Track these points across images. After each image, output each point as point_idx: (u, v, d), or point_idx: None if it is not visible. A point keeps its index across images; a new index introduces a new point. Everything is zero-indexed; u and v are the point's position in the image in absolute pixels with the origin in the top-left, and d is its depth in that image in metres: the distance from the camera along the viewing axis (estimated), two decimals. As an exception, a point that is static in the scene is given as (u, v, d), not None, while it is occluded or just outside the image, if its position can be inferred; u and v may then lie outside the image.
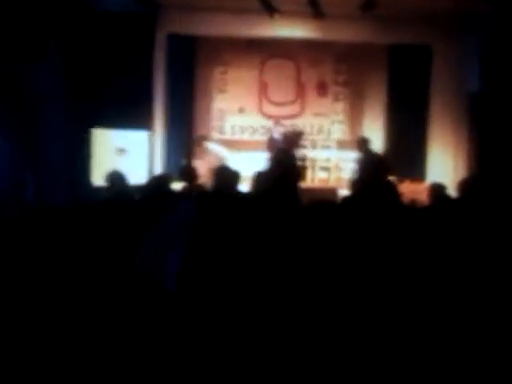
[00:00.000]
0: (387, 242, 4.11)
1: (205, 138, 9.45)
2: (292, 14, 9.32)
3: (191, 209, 4.12)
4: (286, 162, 7.22)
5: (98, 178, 7.87)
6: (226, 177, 5.61)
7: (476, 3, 8.37)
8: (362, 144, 8.73)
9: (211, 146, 9.45)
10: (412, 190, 7.57)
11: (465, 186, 5.68)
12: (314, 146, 10.33)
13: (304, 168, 9.03)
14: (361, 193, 5.88)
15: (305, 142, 10.17)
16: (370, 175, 7.77)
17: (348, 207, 5.21)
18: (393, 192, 5.10)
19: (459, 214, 4.91)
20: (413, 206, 6.30)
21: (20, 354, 3.15)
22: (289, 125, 10.08)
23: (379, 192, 5.07)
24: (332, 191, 8.80)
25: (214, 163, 7.88)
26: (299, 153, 8.42)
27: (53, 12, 8.32)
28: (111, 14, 9.17)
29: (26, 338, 3.25)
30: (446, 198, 5.86)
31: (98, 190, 6.07)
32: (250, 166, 7.84)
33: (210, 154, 9.21)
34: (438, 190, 5.96)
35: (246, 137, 10.59)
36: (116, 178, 5.69)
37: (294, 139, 8.56)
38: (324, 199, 6.46)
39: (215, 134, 10.41)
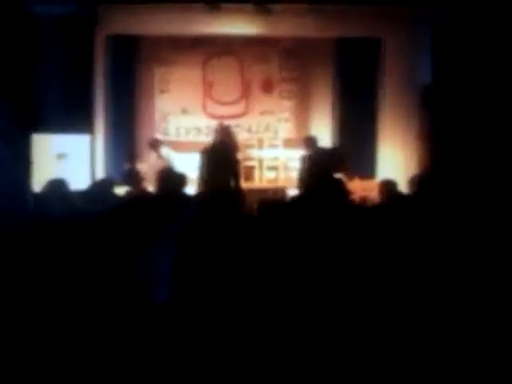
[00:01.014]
0: (337, 242, 4.03)
1: (160, 142, 9.13)
2: (236, 10, 9.03)
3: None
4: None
5: (39, 185, 7.58)
6: (171, 180, 5.47)
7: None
8: (310, 142, 8.60)
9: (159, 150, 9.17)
10: (362, 188, 7.47)
11: (416, 182, 5.62)
12: (261, 145, 10.12)
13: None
14: (310, 192, 5.77)
15: (251, 140, 10.09)
16: (321, 170, 7.62)
17: (297, 207, 5.09)
18: (342, 190, 5.00)
19: (410, 212, 4.84)
20: (363, 204, 6.21)
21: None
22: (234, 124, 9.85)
23: (328, 191, 4.97)
24: (281, 191, 8.64)
25: (159, 166, 7.61)
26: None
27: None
28: (50, 16, 8.83)
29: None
30: (397, 194, 5.75)
31: (39, 196, 5.77)
32: (195, 167, 7.70)
33: (156, 157, 8.92)
34: (388, 187, 5.82)
35: (190, 138, 10.33)
36: (56, 185, 5.46)
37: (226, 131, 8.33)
38: (274, 199, 6.37)
39: (159, 136, 10.11)
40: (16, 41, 8.39)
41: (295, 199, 5.99)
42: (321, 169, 7.79)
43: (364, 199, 6.46)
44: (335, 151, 8.55)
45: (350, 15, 9.11)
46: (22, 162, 8.37)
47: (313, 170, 7.78)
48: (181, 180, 5.51)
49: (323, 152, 8.43)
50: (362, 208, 5.37)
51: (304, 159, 8.46)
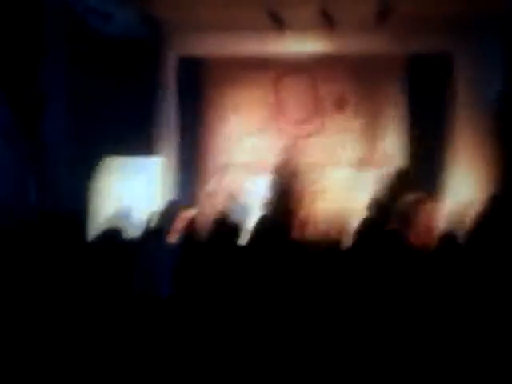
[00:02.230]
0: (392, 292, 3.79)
1: (228, 166, 9.02)
2: (303, 28, 8.90)
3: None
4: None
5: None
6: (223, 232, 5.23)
7: (494, 5, 7.76)
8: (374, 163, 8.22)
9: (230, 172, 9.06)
10: (431, 214, 6.99)
11: (490, 204, 5.21)
12: (334, 164, 9.80)
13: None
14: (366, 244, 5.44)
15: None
16: (389, 196, 7.26)
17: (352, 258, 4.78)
18: (399, 240, 4.66)
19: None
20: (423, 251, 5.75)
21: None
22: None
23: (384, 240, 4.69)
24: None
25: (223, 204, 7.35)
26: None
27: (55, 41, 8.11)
28: (117, 37, 8.95)
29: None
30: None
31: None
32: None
33: (225, 180, 8.78)
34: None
35: (263, 158, 10.13)
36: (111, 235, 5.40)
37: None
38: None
39: (230, 158, 10.00)
40: (85, 64, 8.56)
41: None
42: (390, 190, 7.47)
43: (430, 230, 6.00)
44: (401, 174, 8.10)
45: (418, 29, 8.73)
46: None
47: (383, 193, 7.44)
48: (234, 231, 5.26)
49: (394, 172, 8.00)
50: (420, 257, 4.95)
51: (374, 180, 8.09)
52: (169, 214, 5.87)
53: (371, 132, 10.11)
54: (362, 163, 9.81)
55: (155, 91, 9.30)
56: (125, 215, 6.72)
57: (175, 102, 9.61)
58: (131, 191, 8.59)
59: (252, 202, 7.58)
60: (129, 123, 8.83)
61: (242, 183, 8.75)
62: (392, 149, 9.76)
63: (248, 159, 10.12)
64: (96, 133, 8.59)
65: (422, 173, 8.74)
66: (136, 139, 8.80)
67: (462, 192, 8.69)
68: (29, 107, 7.67)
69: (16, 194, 7.47)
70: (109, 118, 8.75)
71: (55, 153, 8.16)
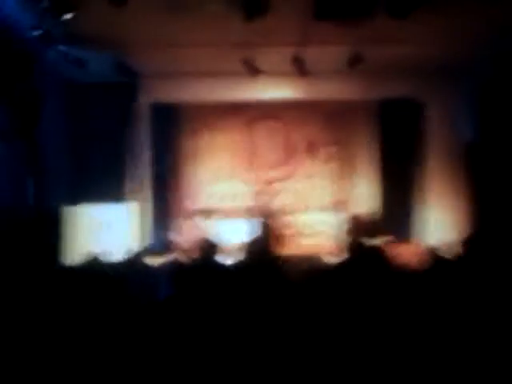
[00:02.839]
0: (379, 312, 3.83)
1: (197, 212, 8.99)
2: (277, 74, 9.03)
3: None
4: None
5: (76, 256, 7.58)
6: (206, 250, 5.34)
7: (467, 51, 8.00)
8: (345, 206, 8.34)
9: (200, 217, 9.05)
10: (407, 252, 7.10)
11: (464, 246, 5.30)
12: (305, 209, 9.87)
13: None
14: (350, 260, 5.55)
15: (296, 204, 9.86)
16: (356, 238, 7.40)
17: (339, 275, 4.87)
18: (382, 258, 4.75)
19: (454, 279, 4.56)
20: (407, 270, 5.88)
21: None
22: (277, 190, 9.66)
23: (369, 259, 4.75)
24: (322, 257, 8.30)
25: (197, 235, 7.47)
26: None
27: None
28: (92, 83, 9.04)
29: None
30: (442, 260, 5.40)
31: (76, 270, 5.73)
32: (240, 233, 7.54)
33: (195, 226, 8.78)
34: (433, 253, 5.48)
35: (235, 203, 10.16)
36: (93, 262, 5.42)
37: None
38: (312, 267, 6.15)
39: (203, 203, 10.00)
40: (58, 108, 8.55)
41: (337, 267, 5.75)
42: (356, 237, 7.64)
43: (409, 265, 6.10)
44: (372, 217, 8.24)
45: (390, 75, 8.98)
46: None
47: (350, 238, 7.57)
48: (218, 250, 5.47)
49: (360, 218, 8.15)
50: (404, 275, 5.06)
51: (344, 224, 8.22)
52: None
53: (342, 176, 10.25)
54: (334, 207, 9.89)
55: (131, 137, 9.30)
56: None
57: (148, 146, 9.58)
58: (104, 237, 8.48)
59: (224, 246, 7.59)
60: (101, 169, 8.82)
61: (214, 227, 8.76)
62: (363, 192, 9.88)
63: (220, 204, 10.14)
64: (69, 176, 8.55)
65: (393, 215, 8.86)
66: (109, 184, 8.75)
67: (434, 233, 8.83)
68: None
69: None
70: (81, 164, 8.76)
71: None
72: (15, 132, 7.46)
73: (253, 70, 8.50)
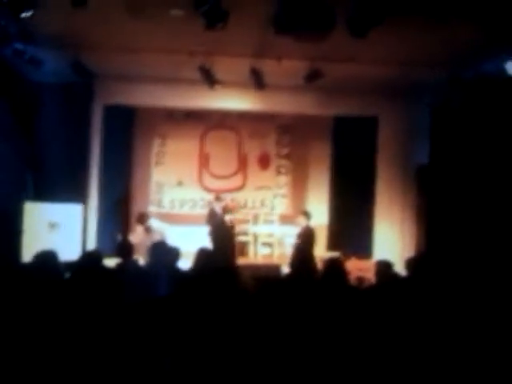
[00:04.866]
0: (331, 324, 3.85)
1: (147, 215, 8.87)
2: (233, 85, 9.02)
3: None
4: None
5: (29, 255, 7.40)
6: (163, 253, 5.27)
7: (422, 73, 8.17)
8: (303, 218, 8.37)
9: (151, 221, 8.94)
10: (358, 267, 7.20)
11: (411, 264, 5.38)
12: (256, 221, 9.89)
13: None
14: (302, 271, 5.60)
15: (247, 215, 9.88)
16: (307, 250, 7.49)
17: (292, 286, 4.88)
18: (339, 271, 4.78)
19: (404, 294, 4.63)
20: (359, 285, 5.96)
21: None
22: (229, 199, 9.65)
23: (324, 271, 4.79)
24: (275, 268, 8.32)
25: (150, 239, 7.40)
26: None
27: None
28: (48, 84, 8.91)
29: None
30: (393, 276, 5.47)
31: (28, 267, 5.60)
32: (190, 240, 7.49)
33: (150, 229, 8.67)
34: (384, 268, 5.54)
35: (185, 210, 10.13)
36: (47, 258, 5.28)
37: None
38: (267, 277, 6.15)
39: (153, 208, 9.91)
40: (13, 107, 8.35)
41: (289, 277, 5.78)
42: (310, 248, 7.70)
43: (360, 280, 6.19)
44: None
45: (346, 92, 9.11)
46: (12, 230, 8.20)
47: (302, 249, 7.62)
48: (173, 254, 5.34)
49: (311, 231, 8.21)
50: (357, 290, 5.11)
51: (295, 236, 8.27)
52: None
53: (295, 189, 10.33)
54: (285, 219, 9.94)
55: (85, 138, 9.18)
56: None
57: (101, 148, 9.45)
58: (55, 238, 8.32)
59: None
60: (57, 169, 8.71)
61: (163, 232, 8.68)
62: (315, 205, 9.96)
63: (171, 210, 10.10)
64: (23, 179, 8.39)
65: (344, 229, 8.96)
66: (62, 186, 8.62)
67: (386, 247, 8.97)
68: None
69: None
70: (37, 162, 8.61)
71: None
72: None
73: (210, 79, 8.48)
